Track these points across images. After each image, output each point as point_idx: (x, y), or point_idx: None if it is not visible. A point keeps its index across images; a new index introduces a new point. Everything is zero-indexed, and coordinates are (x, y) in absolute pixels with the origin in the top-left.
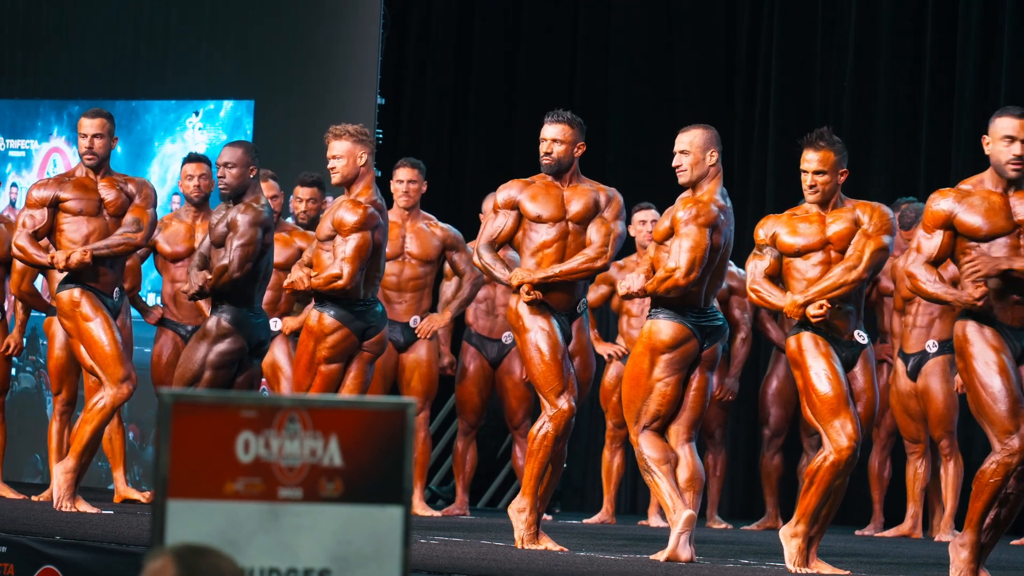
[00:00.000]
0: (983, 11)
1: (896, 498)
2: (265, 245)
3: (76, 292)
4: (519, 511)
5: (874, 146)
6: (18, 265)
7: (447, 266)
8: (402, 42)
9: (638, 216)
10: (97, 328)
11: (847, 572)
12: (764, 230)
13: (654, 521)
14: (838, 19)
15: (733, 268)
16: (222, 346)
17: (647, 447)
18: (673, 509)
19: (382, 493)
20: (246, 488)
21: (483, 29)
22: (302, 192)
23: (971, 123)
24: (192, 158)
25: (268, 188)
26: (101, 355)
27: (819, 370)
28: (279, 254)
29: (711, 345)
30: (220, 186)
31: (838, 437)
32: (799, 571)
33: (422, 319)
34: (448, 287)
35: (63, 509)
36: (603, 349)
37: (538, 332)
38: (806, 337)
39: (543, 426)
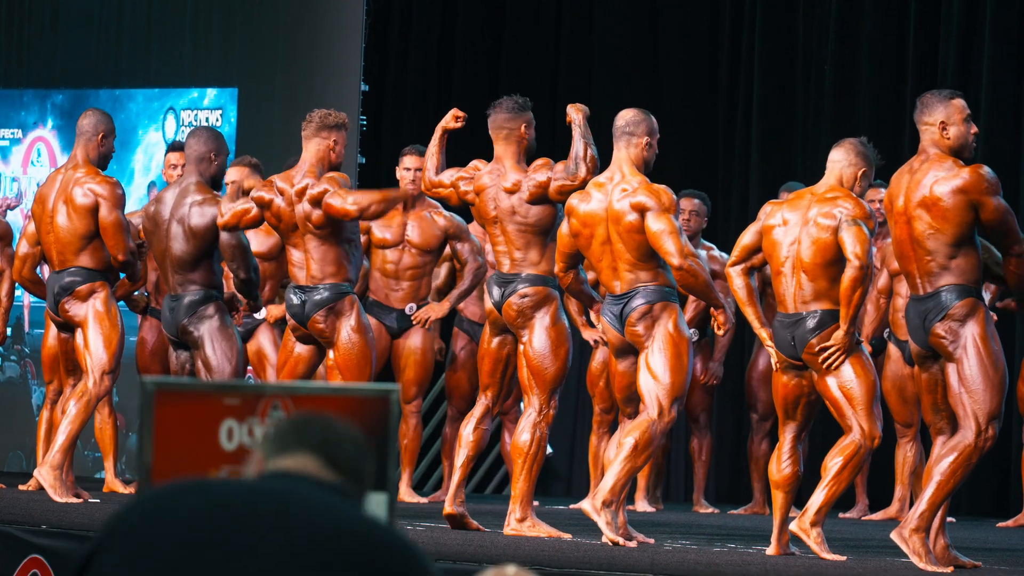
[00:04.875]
0: None
1: (876, 481)
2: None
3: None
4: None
5: (856, 131)
6: (21, 250)
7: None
8: (385, 29)
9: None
10: (117, 317)
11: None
12: None
13: (640, 506)
14: (819, 2)
15: (716, 252)
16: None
17: None
18: None
19: None
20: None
21: (466, 15)
22: None
23: None
24: (175, 146)
25: (247, 175)
26: (109, 342)
27: (869, 358)
28: (262, 243)
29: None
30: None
31: (877, 423)
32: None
33: (419, 307)
34: (439, 272)
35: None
36: (589, 335)
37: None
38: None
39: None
